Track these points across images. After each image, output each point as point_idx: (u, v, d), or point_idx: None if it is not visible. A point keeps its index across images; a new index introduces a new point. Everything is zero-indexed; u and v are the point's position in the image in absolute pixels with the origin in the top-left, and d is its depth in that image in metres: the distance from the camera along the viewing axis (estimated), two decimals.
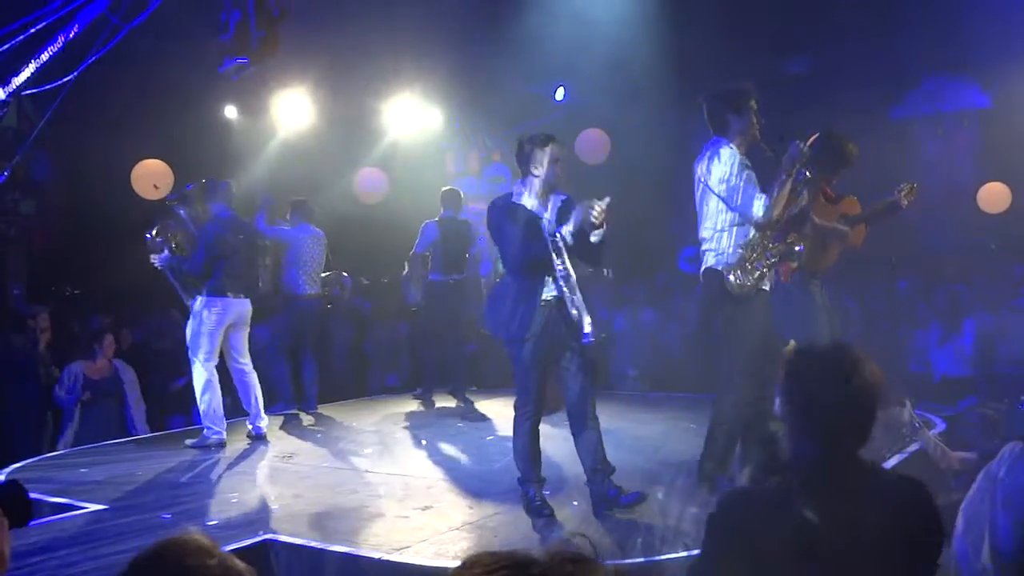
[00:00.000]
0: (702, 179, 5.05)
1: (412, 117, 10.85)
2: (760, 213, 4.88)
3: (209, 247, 6.93)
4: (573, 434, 4.97)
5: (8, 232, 9.91)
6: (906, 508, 2.20)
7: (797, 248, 5.07)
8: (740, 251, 4.96)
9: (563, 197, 4.96)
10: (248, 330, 7.27)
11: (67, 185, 10.32)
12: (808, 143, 5.32)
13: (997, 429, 5.56)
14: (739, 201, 4.92)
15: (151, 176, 9.02)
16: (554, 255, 4.76)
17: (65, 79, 5.15)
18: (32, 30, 4.83)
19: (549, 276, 4.82)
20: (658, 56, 9.04)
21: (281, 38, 4.61)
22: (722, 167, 4.94)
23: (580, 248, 4.80)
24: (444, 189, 8.90)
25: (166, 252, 7.14)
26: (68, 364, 8.09)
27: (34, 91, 5.38)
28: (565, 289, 4.77)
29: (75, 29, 4.66)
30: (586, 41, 9.02)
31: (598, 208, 4.66)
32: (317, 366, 8.65)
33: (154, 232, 7.22)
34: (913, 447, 5.57)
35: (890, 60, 9.99)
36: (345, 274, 9.22)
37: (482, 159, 11.96)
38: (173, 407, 8.97)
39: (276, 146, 10.17)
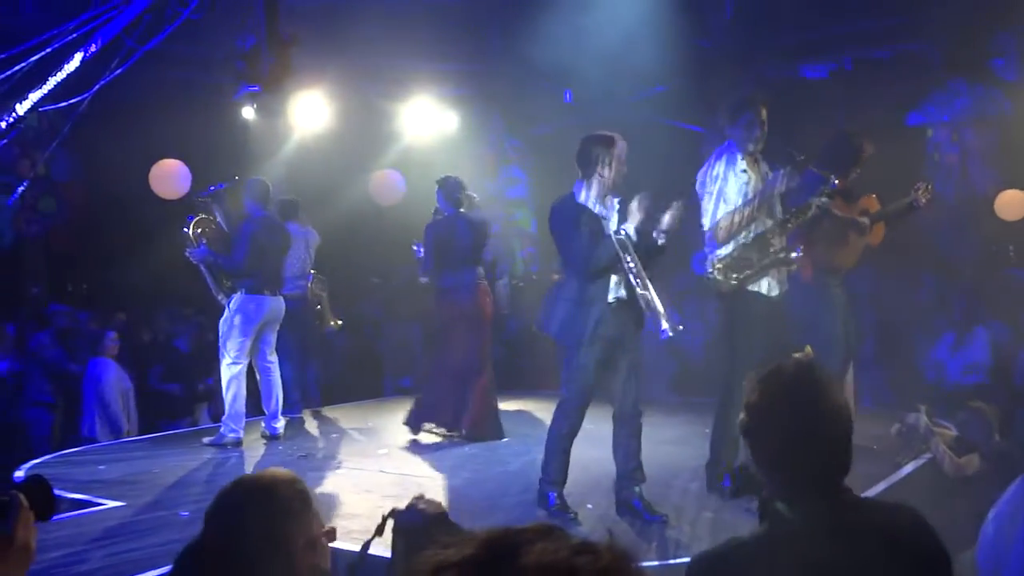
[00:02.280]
0: (697, 184, 5.18)
1: (428, 119, 10.88)
2: (713, 226, 4.99)
3: (247, 245, 6.94)
4: (615, 437, 4.93)
5: (27, 231, 9.99)
6: (910, 541, 1.97)
7: (795, 254, 5.08)
8: (736, 251, 5.01)
9: (619, 199, 4.93)
10: (277, 327, 7.30)
11: (86, 184, 10.39)
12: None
13: (995, 426, 5.55)
14: (707, 211, 5.03)
15: (169, 176, 9.08)
16: (621, 252, 4.69)
17: (81, 96, 5.20)
18: (50, 48, 4.89)
19: (617, 276, 4.77)
20: (673, 60, 9.04)
21: (293, 64, 4.61)
22: (711, 177, 5.07)
23: (644, 244, 4.77)
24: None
25: (203, 247, 7.12)
26: (91, 360, 8.13)
27: (51, 107, 5.44)
28: (636, 285, 4.68)
29: (92, 48, 4.71)
30: (600, 43, 9.02)
31: (674, 214, 4.71)
32: (317, 367, 8.63)
33: (191, 225, 7.23)
34: (926, 456, 5.57)
35: (907, 65, 9.96)
36: (313, 272, 9.08)
37: (499, 162, 11.97)
38: (183, 409, 9.02)
39: (293, 147, 10.22)
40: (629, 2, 9.09)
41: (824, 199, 5.19)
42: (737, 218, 4.94)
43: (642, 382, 4.95)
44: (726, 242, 5.00)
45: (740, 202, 4.98)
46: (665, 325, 4.62)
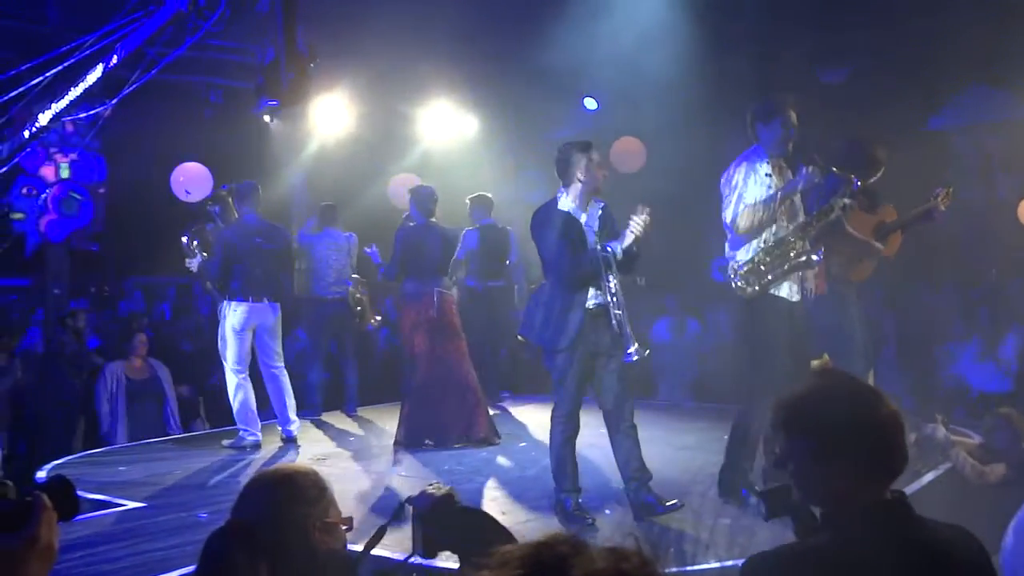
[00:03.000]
0: (722, 188, 5.12)
1: (447, 124, 10.90)
2: (733, 225, 4.95)
3: (222, 252, 6.96)
4: (611, 441, 4.96)
5: (50, 232, 10.09)
6: (967, 560, 1.92)
7: (815, 257, 5.04)
8: (757, 255, 4.99)
9: (602, 204, 4.97)
10: (279, 334, 7.27)
11: (109, 186, 10.48)
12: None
13: (1022, 433, 5.48)
14: (725, 211, 4.98)
15: (190, 179, 9.16)
16: (603, 268, 4.73)
17: (102, 107, 5.26)
18: (71, 60, 4.94)
19: (594, 286, 4.81)
20: (692, 65, 9.02)
21: (313, 79, 4.62)
22: (734, 179, 5.01)
23: (624, 261, 4.80)
24: (474, 196, 8.88)
25: (198, 256, 7.26)
26: (106, 364, 8.21)
27: (73, 117, 5.51)
28: (611, 302, 4.75)
29: (114, 60, 4.76)
30: (619, 49, 9.01)
31: (641, 220, 4.70)
32: (356, 369, 8.70)
33: (188, 236, 7.34)
34: (947, 464, 5.52)
35: (928, 70, 9.89)
36: (356, 276, 9.16)
37: (517, 165, 11.98)
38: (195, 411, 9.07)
39: (313, 151, 10.28)
40: (646, 6, 9.08)
41: (847, 200, 5.15)
42: (759, 214, 4.90)
43: (627, 384, 4.96)
44: (746, 235, 4.95)
45: (763, 199, 4.95)
46: (632, 349, 4.68)
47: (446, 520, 2.49)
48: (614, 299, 4.74)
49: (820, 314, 5.45)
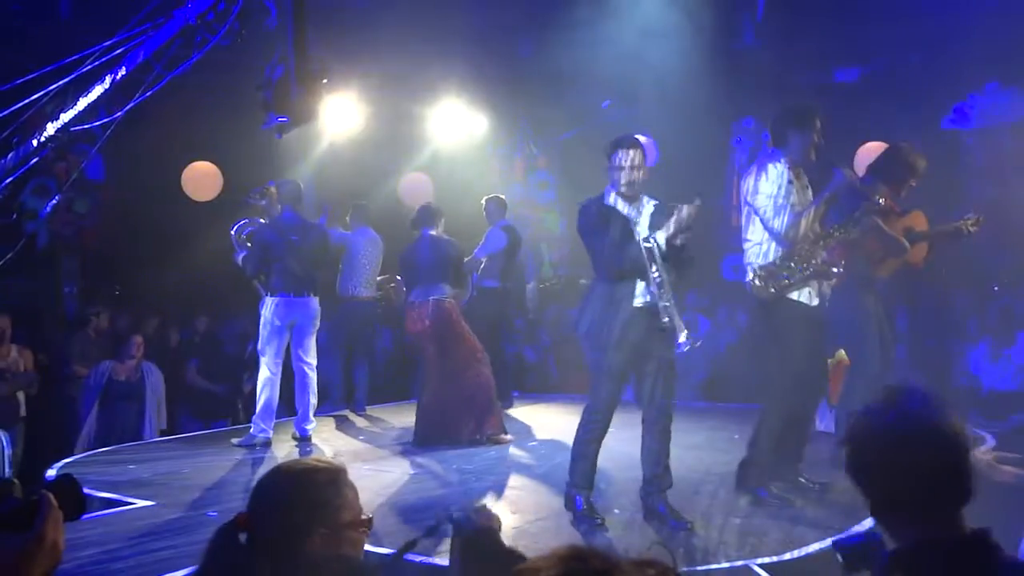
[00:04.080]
0: (745, 192, 5.10)
1: (458, 123, 10.90)
2: (784, 234, 4.97)
3: (259, 249, 7.12)
4: (643, 441, 4.89)
5: (62, 232, 10.13)
6: None
7: (836, 269, 5.06)
8: (777, 259, 5.01)
9: (655, 201, 4.90)
10: (315, 330, 7.35)
11: (120, 186, 10.51)
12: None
13: None
14: (771, 219, 4.99)
15: (201, 178, 9.17)
16: (648, 261, 4.65)
17: (110, 118, 5.28)
18: (81, 70, 4.96)
19: (642, 281, 4.73)
20: (705, 65, 9.00)
21: (323, 94, 4.61)
22: (769, 185, 5.01)
23: (671, 254, 4.71)
24: (491, 197, 8.89)
25: (244, 250, 7.38)
26: (99, 362, 8.21)
27: (81, 127, 5.53)
28: (659, 295, 4.66)
29: (122, 72, 4.77)
30: (633, 49, 9.00)
31: (685, 210, 4.64)
32: (368, 368, 8.73)
33: (235, 230, 7.47)
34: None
35: (941, 71, 9.84)
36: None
37: (527, 166, 11.98)
38: (218, 409, 9.11)
39: (323, 150, 10.28)
40: (660, 6, 9.07)
41: (870, 217, 5.21)
42: (805, 221, 4.96)
43: (673, 387, 4.90)
44: (793, 245, 4.98)
45: (798, 207, 4.97)
46: (683, 339, 4.60)
47: (486, 553, 2.39)
48: (660, 290, 4.65)
49: (836, 309, 5.43)
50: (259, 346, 7.15)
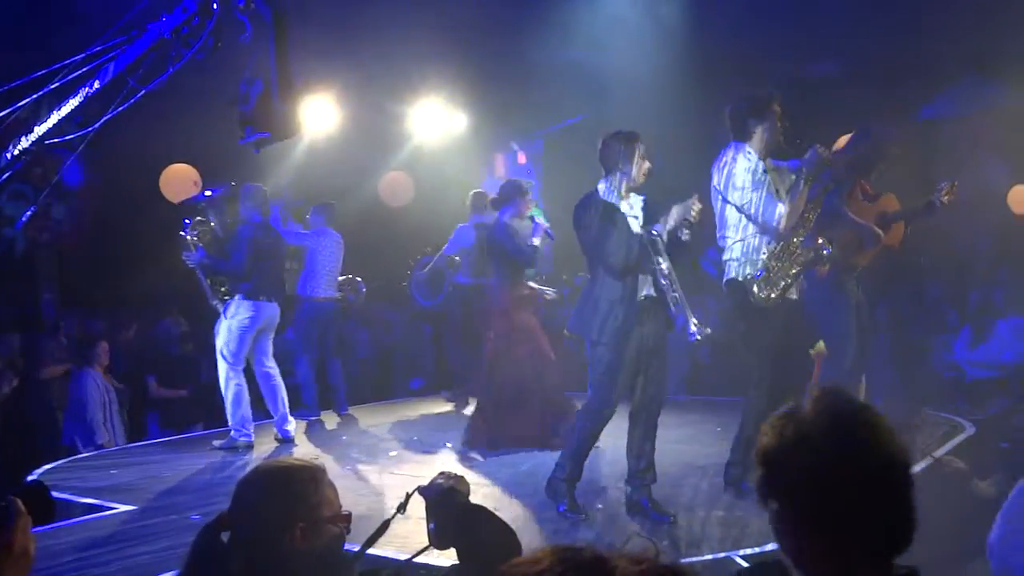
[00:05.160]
0: (719, 188, 5.03)
1: (437, 121, 10.89)
2: (778, 224, 4.89)
3: (246, 249, 6.99)
4: (629, 436, 4.91)
5: (40, 237, 10.05)
6: None
7: (825, 252, 5.02)
8: (764, 261, 4.94)
9: (643, 197, 4.91)
10: (273, 334, 7.33)
11: (97, 189, 10.44)
12: (833, 145, 5.35)
13: None
14: (759, 211, 4.92)
15: (180, 180, 9.11)
16: (653, 252, 4.68)
17: (84, 131, 5.24)
18: (52, 85, 4.92)
19: (647, 274, 4.74)
20: (681, 59, 9.01)
21: (302, 111, 4.59)
22: (740, 176, 4.93)
23: (671, 247, 4.75)
24: (474, 192, 8.92)
25: (200, 251, 7.20)
26: (82, 371, 8.11)
27: (57, 140, 5.49)
28: (665, 286, 4.68)
29: (96, 85, 4.73)
30: (608, 46, 9.00)
31: (696, 207, 4.67)
32: (341, 368, 8.70)
33: (190, 229, 7.30)
34: (927, 460, 5.42)
35: (919, 61, 9.90)
36: (359, 279, 9.22)
37: (508, 163, 11.96)
38: (187, 414, 9.03)
39: (302, 150, 10.24)
40: (636, 5, 9.08)
41: (833, 184, 5.15)
42: (793, 205, 4.90)
43: (665, 384, 4.94)
44: (785, 235, 4.93)
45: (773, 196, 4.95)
46: (694, 328, 4.60)
47: (448, 513, 2.49)
48: (667, 281, 4.66)
49: (814, 301, 5.44)
50: (224, 348, 7.00)
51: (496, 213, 7.74)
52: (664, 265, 4.66)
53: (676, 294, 4.66)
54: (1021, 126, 10.36)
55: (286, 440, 7.17)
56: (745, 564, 4.05)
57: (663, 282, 4.66)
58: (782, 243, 4.94)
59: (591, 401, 4.89)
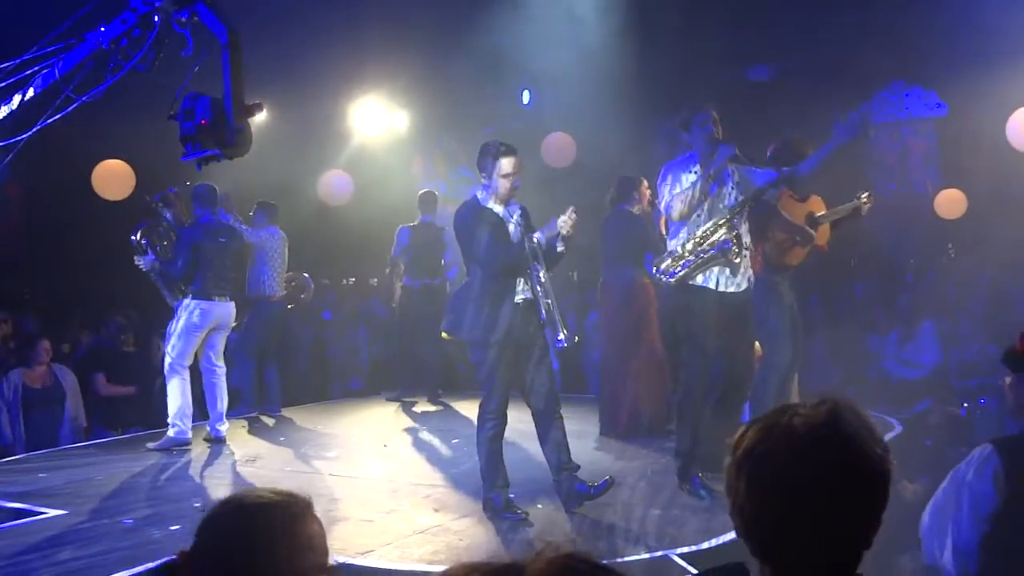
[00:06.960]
0: (663, 206, 5.36)
1: (378, 119, 10.83)
2: (669, 212, 5.19)
3: (190, 252, 7.00)
4: (539, 434, 5.01)
5: None
6: None
7: (727, 247, 5.14)
8: (680, 247, 5.16)
9: (520, 206, 5.09)
10: (227, 332, 7.32)
11: (26, 186, 10.16)
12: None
13: (961, 430, 5.66)
14: (677, 212, 5.14)
15: (112, 177, 8.92)
16: (532, 259, 4.84)
17: (17, 139, 5.11)
18: None
19: (521, 278, 4.90)
20: (624, 62, 9.09)
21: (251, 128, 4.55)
22: (667, 177, 5.26)
23: (546, 255, 4.92)
24: (422, 192, 8.93)
25: (151, 254, 7.22)
26: (7, 372, 7.89)
27: None
28: (540, 291, 4.84)
29: (30, 93, 4.63)
30: (552, 46, 9.04)
31: (568, 219, 4.83)
32: (278, 369, 8.62)
33: (139, 235, 7.29)
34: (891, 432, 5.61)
35: (849, 68, 10.14)
36: (306, 275, 9.18)
37: (449, 162, 11.95)
38: (129, 414, 8.83)
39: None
40: (580, 4, 9.14)
41: (774, 207, 5.36)
42: (689, 195, 5.10)
43: (552, 373, 5.07)
44: (681, 221, 5.16)
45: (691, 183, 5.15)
46: (562, 336, 4.76)
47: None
48: (542, 289, 4.84)
49: (753, 299, 5.56)
50: (171, 348, 7.01)
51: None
52: (541, 274, 4.85)
53: (549, 301, 4.83)
54: (947, 134, 10.70)
55: (217, 440, 7.09)
56: (683, 563, 4.12)
57: (538, 289, 4.85)
58: (702, 233, 5.13)
59: (483, 404, 4.99)
